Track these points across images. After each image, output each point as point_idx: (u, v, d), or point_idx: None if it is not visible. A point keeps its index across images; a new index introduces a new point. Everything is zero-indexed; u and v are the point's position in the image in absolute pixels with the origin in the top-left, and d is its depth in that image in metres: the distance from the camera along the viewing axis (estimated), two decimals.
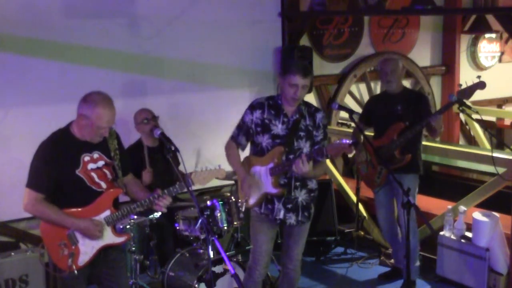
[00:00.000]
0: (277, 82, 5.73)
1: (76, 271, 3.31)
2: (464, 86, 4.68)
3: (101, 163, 3.39)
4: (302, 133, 3.84)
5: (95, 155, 3.38)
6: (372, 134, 5.07)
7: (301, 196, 3.90)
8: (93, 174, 3.35)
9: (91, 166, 3.35)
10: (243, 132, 3.94)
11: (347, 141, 3.53)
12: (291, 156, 3.78)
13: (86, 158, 3.34)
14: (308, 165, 3.62)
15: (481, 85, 4.57)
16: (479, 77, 4.64)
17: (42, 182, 3.27)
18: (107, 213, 3.39)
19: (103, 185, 3.39)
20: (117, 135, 3.50)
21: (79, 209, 3.33)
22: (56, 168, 3.26)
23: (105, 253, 3.46)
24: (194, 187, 3.38)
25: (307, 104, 3.94)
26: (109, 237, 3.42)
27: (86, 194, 3.34)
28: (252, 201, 3.92)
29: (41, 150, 3.31)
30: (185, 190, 3.37)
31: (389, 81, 4.85)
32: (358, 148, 4.91)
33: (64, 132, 3.36)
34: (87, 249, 3.37)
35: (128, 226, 4.18)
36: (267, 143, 3.85)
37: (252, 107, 3.91)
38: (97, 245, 3.39)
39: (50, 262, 3.40)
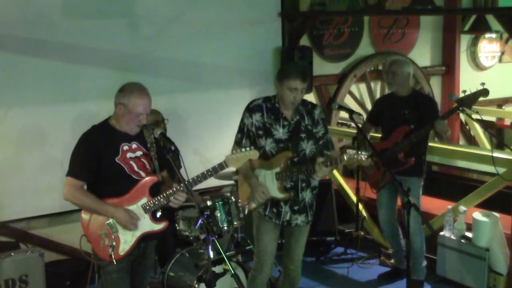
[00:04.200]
0: None
1: (115, 261, 3.35)
2: (468, 92, 4.62)
3: (139, 153, 3.46)
4: (303, 135, 3.84)
5: (134, 145, 3.45)
6: (380, 135, 5.07)
7: (308, 196, 3.91)
8: (132, 163, 3.41)
9: (130, 155, 3.42)
10: (246, 136, 3.88)
11: (364, 153, 3.58)
12: (295, 159, 3.79)
13: (125, 147, 3.41)
14: (327, 169, 3.67)
15: (484, 92, 4.55)
16: (483, 84, 4.60)
17: (81, 170, 3.34)
18: (144, 200, 3.41)
19: (143, 174, 3.43)
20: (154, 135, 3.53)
21: (117, 199, 3.37)
22: (97, 155, 3.32)
23: (144, 246, 3.52)
24: (200, 185, 3.41)
25: (304, 103, 3.91)
26: (148, 225, 3.44)
27: (126, 184, 3.39)
28: (254, 204, 3.90)
29: (82, 139, 3.40)
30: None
31: (389, 83, 4.85)
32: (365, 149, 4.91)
33: (104, 124, 3.47)
34: (127, 237, 3.40)
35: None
36: (270, 147, 3.83)
37: (250, 110, 3.86)
38: (137, 232, 3.42)
39: (93, 253, 3.45)
